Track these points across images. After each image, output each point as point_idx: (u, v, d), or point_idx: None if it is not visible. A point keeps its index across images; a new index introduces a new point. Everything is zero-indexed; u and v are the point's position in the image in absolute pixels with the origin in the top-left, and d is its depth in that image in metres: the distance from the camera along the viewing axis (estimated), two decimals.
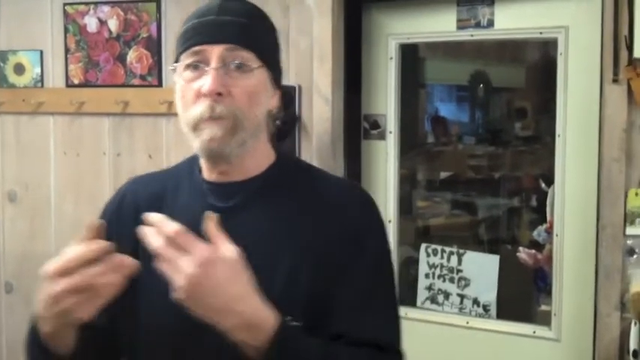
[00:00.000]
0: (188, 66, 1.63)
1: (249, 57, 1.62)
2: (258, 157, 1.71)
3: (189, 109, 1.62)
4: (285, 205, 1.70)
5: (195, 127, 1.61)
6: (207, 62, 1.60)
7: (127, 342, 1.75)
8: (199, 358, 1.61)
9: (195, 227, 1.54)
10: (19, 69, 3.65)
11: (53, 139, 3.65)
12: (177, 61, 1.67)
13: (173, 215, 1.59)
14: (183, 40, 1.66)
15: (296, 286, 1.62)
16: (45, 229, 3.68)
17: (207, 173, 1.73)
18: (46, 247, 3.69)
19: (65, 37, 3.57)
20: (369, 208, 1.77)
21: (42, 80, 3.64)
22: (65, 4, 3.56)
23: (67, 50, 3.57)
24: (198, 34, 1.63)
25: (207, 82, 1.58)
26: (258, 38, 1.66)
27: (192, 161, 1.80)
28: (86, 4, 3.52)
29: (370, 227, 1.73)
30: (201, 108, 1.59)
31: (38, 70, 3.63)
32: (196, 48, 1.62)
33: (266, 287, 1.57)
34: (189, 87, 1.62)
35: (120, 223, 1.77)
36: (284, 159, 1.79)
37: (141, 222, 1.57)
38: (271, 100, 1.70)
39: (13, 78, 3.67)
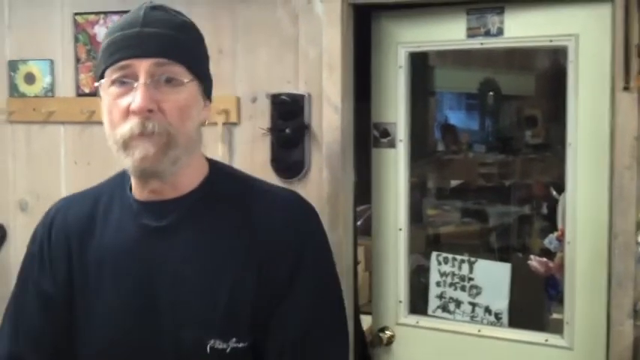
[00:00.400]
0: (114, 81, 1.57)
1: (178, 71, 1.57)
2: (191, 173, 1.65)
3: (118, 127, 1.56)
4: (222, 221, 1.64)
5: (125, 145, 1.56)
6: (134, 77, 1.54)
7: None
8: None
9: (129, 248, 1.57)
10: (30, 78, 3.66)
11: (64, 149, 3.66)
12: (102, 76, 1.60)
13: (104, 236, 1.61)
14: (108, 54, 1.58)
15: (240, 304, 1.57)
16: None
17: (139, 192, 1.67)
18: None
19: (75, 47, 3.57)
20: (309, 220, 1.72)
21: (52, 89, 3.64)
22: (75, 14, 3.56)
23: (77, 60, 3.57)
24: (124, 48, 1.55)
25: (136, 98, 1.52)
26: (186, 50, 1.59)
27: (123, 177, 1.74)
28: (96, 13, 3.52)
29: (310, 240, 1.68)
30: (130, 125, 1.54)
31: (49, 79, 3.63)
32: (122, 63, 1.55)
33: (207, 309, 1.56)
34: (117, 104, 1.56)
35: (51, 247, 1.72)
36: (217, 171, 1.73)
37: (72, 244, 1.60)
38: (203, 113, 1.65)
39: (23, 87, 3.68)
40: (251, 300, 1.58)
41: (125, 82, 1.56)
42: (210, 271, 1.59)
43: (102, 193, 1.78)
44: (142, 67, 1.52)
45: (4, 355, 1.74)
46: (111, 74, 1.58)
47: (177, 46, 1.57)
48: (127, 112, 1.55)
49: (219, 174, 1.73)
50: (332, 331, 1.67)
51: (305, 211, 1.75)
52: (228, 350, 1.55)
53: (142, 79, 1.53)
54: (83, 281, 1.66)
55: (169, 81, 1.56)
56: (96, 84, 1.65)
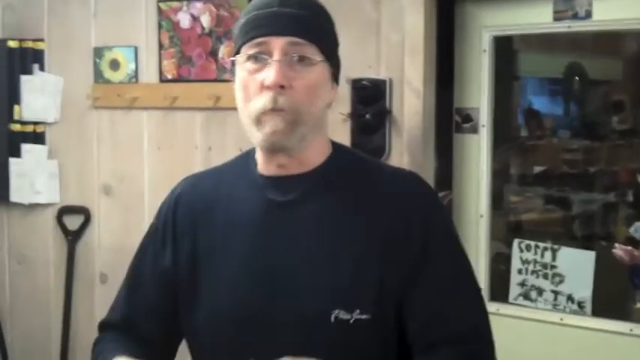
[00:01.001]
0: (250, 57, 1.61)
1: (311, 51, 1.60)
2: (316, 150, 1.69)
3: (252, 101, 1.61)
4: (345, 197, 1.68)
5: (258, 119, 1.60)
6: (269, 54, 1.58)
7: (189, 335, 1.77)
8: (263, 350, 1.59)
9: (254, 220, 1.62)
10: (115, 65, 3.72)
11: (147, 134, 3.71)
12: (237, 52, 1.65)
13: (230, 210, 1.67)
14: (245, 32, 1.63)
15: (364, 277, 1.61)
16: (138, 222, 3.74)
17: (264, 167, 1.71)
18: (139, 239, 3.73)
19: (159, 34, 3.62)
20: (430, 199, 1.75)
21: (136, 76, 3.70)
22: (159, 1, 3.61)
23: (160, 46, 3.62)
24: (261, 26, 1.60)
25: (270, 74, 1.56)
26: (320, 32, 1.64)
27: (247, 157, 1.79)
28: (179, 0, 3.56)
29: (438, 223, 1.69)
30: (263, 100, 1.58)
31: (133, 65, 3.69)
32: (259, 40, 1.60)
33: (332, 279, 1.60)
34: (252, 78, 1.61)
35: (176, 224, 1.77)
36: (341, 151, 1.77)
37: (197, 221, 1.65)
38: (330, 94, 1.68)
39: (108, 74, 3.75)
40: (376, 274, 1.60)
41: (260, 59, 1.61)
42: (335, 244, 1.63)
43: (227, 170, 1.83)
44: (277, 44, 1.58)
45: (119, 318, 1.86)
46: (247, 50, 1.62)
47: (312, 27, 1.62)
48: (261, 87, 1.59)
49: (343, 153, 1.77)
50: (471, 296, 1.70)
51: (429, 189, 1.79)
52: (352, 321, 1.58)
53: (276, 55, 1.57)
54: (208, 252, 1.71)
55: (302, 60, 1.60)
56: (231, 58, 1.70)
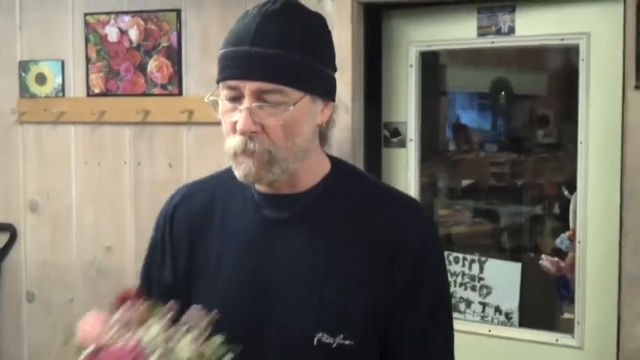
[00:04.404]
0: (225, 96, 1.59)
1: (284, 92, 1.54)
2: (310, 171, 1.66)
3: (228, 138, 1.59)
4: (341, 218, 1.65)
5: (233, 157, 1.58)
6: (241, 98, 1.54)
7: None
8: (261, 352, 1.60)
9: (249, 237, 1.61)
10: (41, 79, 3.67)
11: (74, 149, 3.66)
12: (218, 82, 1.61)
13: (225, 224, 1.67)
14: (220, 68, 1.60)
15: (352, 302, 1.59)
16: (66, 238, 3.69)
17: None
18: (68, 255, 3.70)
19: (86, 47, 3.58)
20: (430, 232, 1.71)
21: (63, 90, 3.65)
22: (86, 14, 3.57)
23: (87, 60, 3.58)
24: (233, 67, 1.56)
25: (239, 121, 1.53)
26: (295, 69, 1.56)
27: None
28: (107, 14, 3.53)
29: (431, 253, 1.67)
30: (235, 142, 1.55)
31: (59, 79, 3.64)
32: (230, 82, 1.56)
33: (319, 302, 1.59)
34: (227, 117, 1.58)
35: (173, 237, 1.76)
36: (339, 170, 1.72)
37: (193, 234, 1.65)
38: (320, 116, 1.62)
39: (34, 88, 3.69)
40: (364, 300, 1.60)
41: (234, 99, 1.57)
42: (325, 267, 1.61)
43: (224, 180, 1.76)
44: (247, 89, 1.53)
45: None
46: (222, 88, 1.59)
47: (284, 67, 1.55)
48: (234, 128, 1.56)
49: (341, 173, 1.72)
50: (447, 334, 1.73)
51: (426, 216, 1.79)
52: (334, 345, 1.58)
53: (246, 102, 1.53)
54: (202, 267, 1.70)
55: (274, 104, 1.55)
56: (211, 98, 1.63)
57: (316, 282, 1.60)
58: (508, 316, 3.24)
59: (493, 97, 6.39)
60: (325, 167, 1.69)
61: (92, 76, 3.57)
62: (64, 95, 3.65)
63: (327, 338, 1.57)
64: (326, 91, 1.64)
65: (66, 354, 1.45)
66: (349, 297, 1.59)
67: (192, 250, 1.71)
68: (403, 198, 1.76)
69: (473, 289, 3.31)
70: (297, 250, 1.61)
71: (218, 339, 1.42)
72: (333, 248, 1.62)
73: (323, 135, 1.68)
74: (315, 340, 1.57)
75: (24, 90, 3.71)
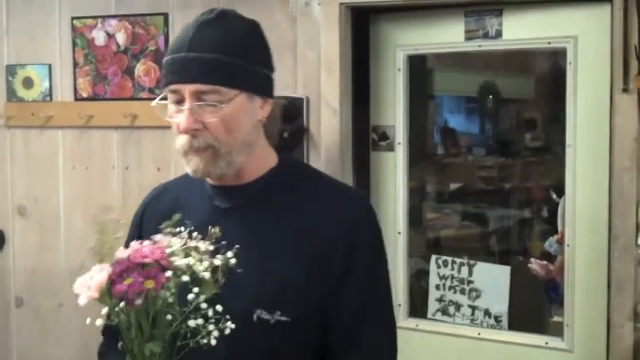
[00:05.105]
0: (170, 100, 1.77)
1: (220, 92, 1.72)
2: (255, 163, 1.84)
3: (176, 137, 1.77)
4: (283, 207, 1.83)
5: (183, 155, 1.77)
6: (182, 100, 1.73)
7: None
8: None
9: (202, 225, 1.73)
10: (28, 83, 3.66)
11: (62, 153, 3.65)
12: (162, 87, 1.81)
13: (187, 215, 1.81)
14: (164, 74, 1.79)
15: (288, 282, 1.75)
16: (54, 242, 3.68)
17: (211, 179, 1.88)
18: (56, 260, 3.68)
19: (73, 51, 3.57)
20: (366, 214, 1.87)
21: (50, 94, 3.64)
22: (73, 18, 3.56)
23: (75, 64, 3.57)
24: (173, 72, 1.74)
25: (182, 121, 1.71)
26: (229, 70, 1.74)
27: None
28: (94, 17, 3.52)
29: (364, 231, 1.83)
30: (182, 141, 1.75)
31: (47, 83, 3.63)
32: (172, 87, 1.74)
33: (259, 282, 1.76)
34: (173, 120, 1.76)
35: (143, 227, 1.96)
36: (286, 163, 1.91)
37: (159, 228, 1.74)
38: (260, 112, 1.81)
39: (21, 92, 3.67)
40: (300, 281, 1.75)
41: (178, 102, 1.76)
42: (266, 251, 1.78)
43: (185, 181, 1.96)
44: (187, 92, 1.71)
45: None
46: (167, 93, 1.78)
47: (218, 69, 1.72)
48: (179, 130, 1.75)
49: (287, 166, 1.91)
50: (381, 314, 1.86)
51: (363, 204, 1.92)
52: (272, 321, 1.73)
53: (186, 103, 1.72)
54: None
55: (212, 103, 1.73)
56: (158, 102, 1.84)
57: (257, 265, 1.75)
58: (497, 319, 3.24)
59: (481, 101, 6.40)
60: (271, 161, 1.88)
61: (79, 80, 3.56)
62: (51, 99, 3.64)
63: (265, 315, 1.74)
64: (262, 88, 1.82)
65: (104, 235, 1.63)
66: (286, 278, 1.75)
67: None
68: (342, 189, 1.96)
69: (462, 292, 3.31)
70: (241, 235, 1.75)
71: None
72: (274, 234, 1.80)
73: (270, 132, 1.88)
74: (255, 316, 1.74)
75: (11, 94, 3.69)
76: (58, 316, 3.68)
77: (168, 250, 1.58)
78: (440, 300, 3.36)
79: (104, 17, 3.51)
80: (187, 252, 1.60)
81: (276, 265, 1.77)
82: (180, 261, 1.56)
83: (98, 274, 1.55)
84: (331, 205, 1.83)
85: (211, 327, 1.57)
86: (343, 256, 1.77)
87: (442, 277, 3.36)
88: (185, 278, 1.55)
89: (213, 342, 1.57)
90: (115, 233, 1.67)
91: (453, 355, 3.23)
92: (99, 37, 3.52)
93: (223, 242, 1.70)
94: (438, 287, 3.37)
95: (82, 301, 1.56)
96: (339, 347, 1.80)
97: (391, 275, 3.26)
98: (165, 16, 3.41)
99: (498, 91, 5.95)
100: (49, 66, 3.63)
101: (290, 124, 3.16)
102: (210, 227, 1.71)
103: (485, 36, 3.07)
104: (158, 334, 1.55)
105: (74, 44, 3.57)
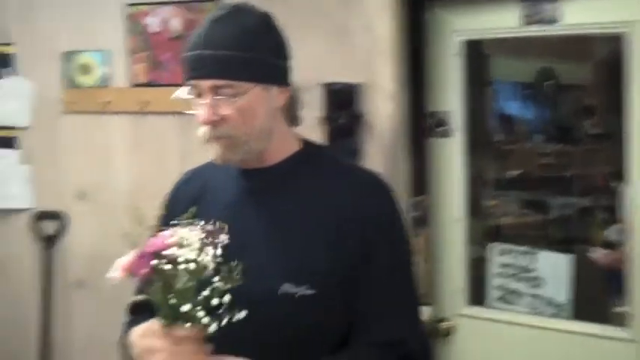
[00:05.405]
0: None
1: (236, 86, 1.83)
2: (277, 147, 1.95)
3: (200, 127, 1.88)
4: (306, 188, 1.94)
5: (205, 143, 1.89)
6: (201, 94, 1.86)
7: None
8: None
9: (230, 203, 1.94)
10: (85, 69, 3.69)
11: (120, 138, 3.68)
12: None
13: (214, 197, 2.01)
14: (183, 70, 1.92)
15: (311, 258, 1.84)
16: (114, 227, 3.70)
17: None
18: (115, 245, 3.69)
19: (129, 38, 3.58)
20: (386, 196, 1.97)
21: (107, 80, 3.67)
22: (128, 5, 3.58)
23: (130, 50, 3.59)
24: (190, 69, 1.88)
25: (202, 114, 1.84)
26: (243, 64, 1.85)
27: None
28: (148, 4, 3.54)
29: (386, 214, 1.94)
30: (202, 131, 1.87)
31: (103, 70, 3.66)
32: (191, 82, 1.88)
33: (283, 258, 1.86)
34: (196, 111, 1.88)
35: (171, 210, 2.06)
36: (308, 148, 2.02)
37: (189, 207, 1.86)
38: (277, 100, 1.92)
39: (79, 78, 3.71)
40: (322, 257, 1.84)
41: (198, 95, 1.87)
42: (289, 228, 1.89)
43: (213, 165, 2.02)
44: (204, 87, 1.84)
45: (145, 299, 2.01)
46: (188, 87, 1.90)
47: (232, 64, 1.84)
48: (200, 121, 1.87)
49: (309, 150, 2.01)
50: (404, 293, 1.94)
51: (383, 189, 1.98)
52: (297, 295, 1.82)
53: (204, 98, 1.84)
54: None
55: (228, 96, 1.84)
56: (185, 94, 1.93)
57: (281, 241, 1.88)
58: (560, 308, 3.19)
59: (538, 87, 6.32)
60: (294, 146, 2.00)
61: (135, 67, 3.58)
62: (108, 85, 3.67)
63: (290, 288, 1.82)
64: (276, 78, 1.93)
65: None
66: (310, 254, 1.85)
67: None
68: (362, 172, 2.07)
69: (523, 280, 3.27)
70: (265, 214, 1.92)
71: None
72: (297, 213, 1.90)
73: (293, 117, 1.99)
74: (279, 290, 1.82)
75: (69, 80, 3.74)
76: (119, 296, 3.71)
77: (171, 240, 1.71)
78: (500, 288, 3.32)
79: (158, 4, 3.52)
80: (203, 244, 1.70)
81: (299, 242, 1.87)
82: (179, 251, 1.68)
83: (125, 258, 1.84)
84: (352, 187, 1.93)
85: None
86: (364, 235, 1.86)
87: (503, 265, 3.33)
88: (182, 266, 1.67)
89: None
90: (147, 222, 1.85)
91: (514, 344, 3.19)
92: (153, 23, 3.53)
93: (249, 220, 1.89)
94: (499, 275, 3.33)
95: (111, 279, 1.84)
96: (361, 327, 1.87)
97: (450, 263, 3.25)
98: (218, 2, 3.40)
99: (556, 76, 5.87)
100: (105, 52, 3.66)
101: (345, 110, 3.14)
102: (235, 206, 1.91)
103: (542, 21, 3.02)
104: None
105: (129, 31, 3.58)
